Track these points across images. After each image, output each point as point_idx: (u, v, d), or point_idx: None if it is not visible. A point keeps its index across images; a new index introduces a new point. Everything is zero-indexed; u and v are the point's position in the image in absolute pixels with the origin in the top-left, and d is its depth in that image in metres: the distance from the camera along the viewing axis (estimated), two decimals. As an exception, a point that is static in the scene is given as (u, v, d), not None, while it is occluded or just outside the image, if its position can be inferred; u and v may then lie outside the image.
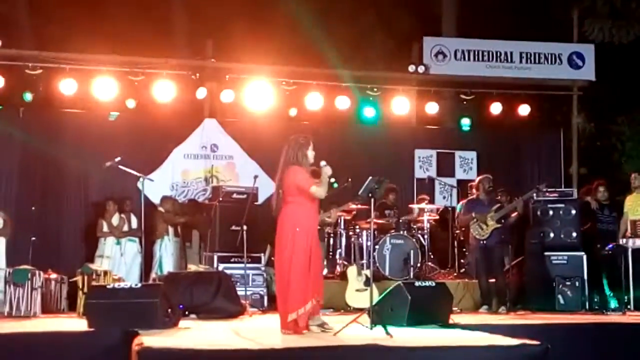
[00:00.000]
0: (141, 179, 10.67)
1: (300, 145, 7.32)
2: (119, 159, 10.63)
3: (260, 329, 8.02)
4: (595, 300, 11.03)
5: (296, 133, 7.61)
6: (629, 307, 10.39)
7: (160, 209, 12.05)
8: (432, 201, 13.09)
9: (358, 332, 7.21)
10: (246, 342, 6.71)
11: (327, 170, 7.32)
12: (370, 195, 7.74)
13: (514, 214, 10.80)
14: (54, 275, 10.24)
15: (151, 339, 6.37)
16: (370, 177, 7.79)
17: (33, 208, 11.79)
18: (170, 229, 12.03)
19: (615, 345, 8.14)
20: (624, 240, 10.71)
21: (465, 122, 13.96)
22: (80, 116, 12.85)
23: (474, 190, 11.17)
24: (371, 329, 7.26)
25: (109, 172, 11.49)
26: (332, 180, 7.92)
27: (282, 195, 7.34)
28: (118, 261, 11.94)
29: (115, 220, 11.98)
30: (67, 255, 12.22)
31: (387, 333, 6.95)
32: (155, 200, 12.22)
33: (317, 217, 7.50)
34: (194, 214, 12.33)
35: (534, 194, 11.06)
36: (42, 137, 12.48)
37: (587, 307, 10.89)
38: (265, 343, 6.47)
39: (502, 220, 10.61)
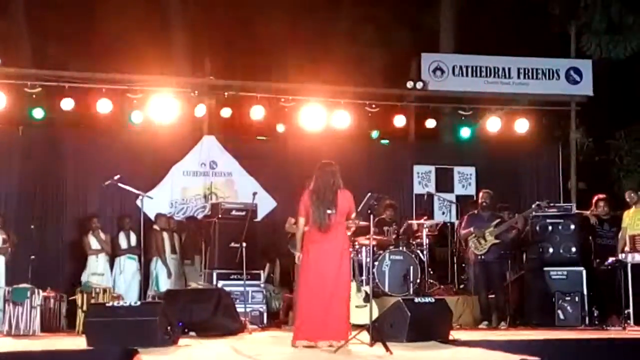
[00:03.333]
0: (140, 197, 10.68)
1: (339, 171, 7.78)
2: (118, 177, 10.65)
3: (259, 346, 8.02)
4: (595, 315, 11.03)
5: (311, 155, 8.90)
6: (628, 322, 10.36)
7: (155, 226, 12.04)
8: (431, 217, 13.08)
9: (358, 349, 7.20)
10: (246, 359, 6.69)
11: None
12: (369, 211, 7.76)
13: (514, 230, 10.80)
14: (53, 294, 10.23)
15: (151, 357, 6.36)
16: (369, 194, 7.84)
17: (32, 226, 11.78)
18: (168, 247, 12.02)
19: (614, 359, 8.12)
20: (624, 255, 10.70)
21: (466, 134, 13.95)
22: (79, 134, 12.87)
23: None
24: (371, 345, 7.25)
25: (108, 190, 11.51)
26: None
27: (334, 216, 7.60)
28: (116, 278, 11.91)
29: (103, 236, 11.94)
30: (65, 273, 12.20)
31: (387, 350, 6.94)
32: (155, 217, 12.24)
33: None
34: (192, 231, 12.34)
35: (534, 211, 11.07)
36: (41, 155, 12.50)
37: (587, 322, 10.88)
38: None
39: (501, 237, 10.61)
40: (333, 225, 7.59)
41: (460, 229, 11.28)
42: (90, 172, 12.32)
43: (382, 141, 13.86)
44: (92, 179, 12.16)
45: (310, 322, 7.53)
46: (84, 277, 11.66)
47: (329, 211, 7.56)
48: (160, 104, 12.58)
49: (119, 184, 10.56)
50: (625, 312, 10.46)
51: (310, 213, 7.68)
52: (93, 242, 11.92)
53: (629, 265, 10.49)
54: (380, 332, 7.44)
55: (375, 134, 13.71)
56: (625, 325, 10.28)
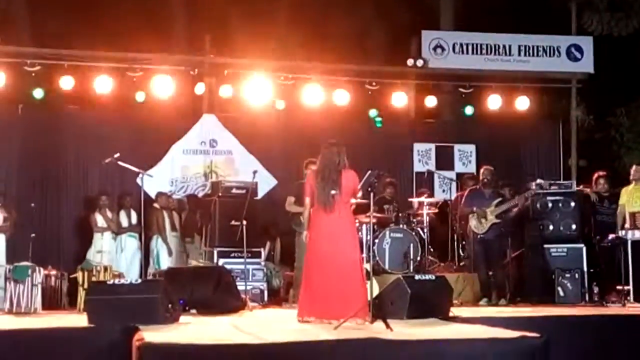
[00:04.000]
0: (140, 175, 10.68)
1: (344, 151, 7.78)
2: (117, 155, 10.65)
3: (260, 324, 8.04)
4: (595, 292, 11.07)
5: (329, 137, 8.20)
6: (628, 298, 10.40)
7: (155, 205, 12.06)
8: (431, 195, 13.08)
9: (358, 326, 7.22)
10: (247, 336, 6.71)
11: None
12: (369, 189, 7.76)
13: (515, 209, 10.80)
14: (54, 272, 10.24)
15: (152, 335, 6.37)
16: (369, 171, 7.85)
17: (32, 205, 11.78)
18: (168, 225, 12.04)
19: (615, 336, 8.14)
20: (623, 232, 10.71)
21: (469, 111, 13.94)
22: (79, 112, 12.86)
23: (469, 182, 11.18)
24: (372, 322, 7.27)
25: (108, 168, 11.51)
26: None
27: (338, 196, 7.65)
28: (118, 256, 11.95)
29: (109, 214, 11.97)
30: (66, 251, 12.25)
31: (388, 326, 6.96)
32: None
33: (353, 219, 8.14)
34: (192, 209, 12.36)
35: (535, 190, 11.08)
36: (41, 134, 12.50)
37: (587, 299, 10.92)
38: (266, 337, 6.48)
39: (502, 216, 10.62)
40: (337, 205, 7.63)
41: (461, 206, 11.28)
42: (90, 151, 12.33)
43: (377, 120, 13.80)
44: (93, 157, 12.16)
45: (315, 300, 7.62)
46: (89, 255, 11.70)
47: (333, 191, 7.60)
48: (160, 82, 12.57)
49: (119, 162, 10.55)
50: (625, 288, 10.49)
51: (315, 193, 7.72)
52: (100, 220, 11.94)
53: (629, 242, 10.52)
54: (380, 309, 7.46)
55: (373, 112, 13.67)
56: (625, 301, 10.32)
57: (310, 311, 7.66)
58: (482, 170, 11.16)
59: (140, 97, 12.63)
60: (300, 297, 7.99)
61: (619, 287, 10.68)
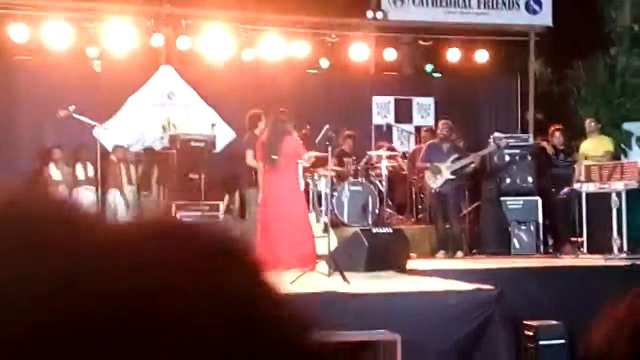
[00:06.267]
0: (97, 128, 10.55)
1: (289, 119, 8.60)
2: (73, 107, 10.49)
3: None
4: (549, 243, 11.25)
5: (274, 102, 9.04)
6: (581, 249, 10.57)
7: (112, 157, 11.94)
8: (391, 148, 13.10)
9: (316, 279, 7.27)
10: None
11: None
12: (327, 143, 7.79)
13: (470, 166, 10.86)
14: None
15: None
16: (326, 126, 7.88)
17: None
18: (125, 178, 11.94)
19: (568, 287, 8.28)
20: (578, 184, 10.85)
21: (430, 68, 14.00)
22: (32, 64, 12.60)
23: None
24: (329, 275, 7.32)
25: (63, 121, 11.33)
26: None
27: (280, 160, 8.36)
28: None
29: (64, 167, 11.83)
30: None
31: (345, 279, 7.02)
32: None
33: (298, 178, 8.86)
34: (149, 162, 12.26)
35: (491, 148, 11.15)
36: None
37: (542, 250, 11.08)
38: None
39: (457, 172, 10.67)
40: (280, 167, 8.34)
41: (419, 160, 11.32)
42: (44, 103, 12.08)
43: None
44: (47, 109, 11.91)
45: (267, 253, 7.91)
46: (43, 209, 11.55)
47: (274, 157, 8.29)
48: (116, 33, 12.36)
49: (74, 115, 10.39)
50: (579, 240, 10.67)
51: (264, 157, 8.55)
52: (55, 174, 11.79)
53: (583, 195, 10.65)
54: (338, 262, 7.51)
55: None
56: (578, 253, 10.50)
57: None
58: (439, 124, 11.19)
59: (92, 52, 12.42)
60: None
61: (572, 239, 10.86)
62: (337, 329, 5.71)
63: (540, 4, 14.06)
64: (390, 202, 12.15)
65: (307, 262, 7.86)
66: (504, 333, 6.41)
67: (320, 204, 11.12)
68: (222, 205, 11.46)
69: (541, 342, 6.49)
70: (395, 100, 14.10)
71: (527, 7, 14.05)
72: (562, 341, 6.54)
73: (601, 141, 11.33)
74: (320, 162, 11.47)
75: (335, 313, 5.98)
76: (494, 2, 13.94)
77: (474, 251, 11.02)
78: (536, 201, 11.33)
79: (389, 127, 13.78)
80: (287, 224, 8.23)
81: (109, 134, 11.64)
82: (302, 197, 8.86)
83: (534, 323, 6.60)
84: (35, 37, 12.13)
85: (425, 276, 7.72)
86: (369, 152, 12.44)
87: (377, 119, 13.96)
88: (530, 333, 6.57)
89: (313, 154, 11.13)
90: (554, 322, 6.66)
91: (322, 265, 7.57)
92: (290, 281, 7.11)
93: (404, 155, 12.82)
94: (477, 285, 6.55)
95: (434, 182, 10.74)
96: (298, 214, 8.44)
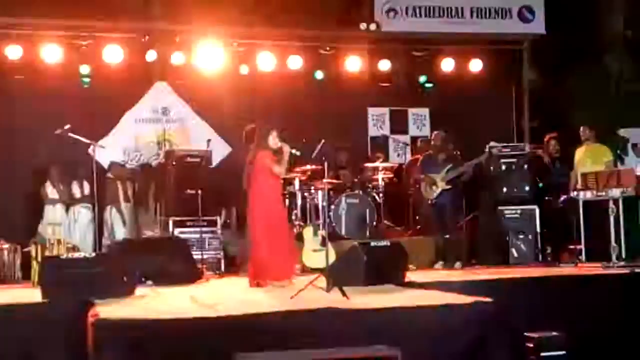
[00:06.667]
0: (92, 146, 10.54)
1: (266, 131, 8.65)
2: (68, 126, 10.47)
3: (217, 295, 8.04)
4: (548, 252, 11.24)
5: (260, 119, 9.31)
6: (580, 258, 10.56)
7: (109, 175, 11.92)
8: (386, 159, 13.11)
9: (315, 294, 7.25)
10: (203, 309, 6.71)
11: (286, 149, 8.56)
12: (323, 159, 7.81)
13: (464, 175, 10.85)
14: (6, 245, 10.12)
15: (107, 309, 6.34)
16: (322, 141, 7.90)
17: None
18: (121, 195, 11.93)
19: (568, 296, 8.29)
20: (575, 193, 10.84)
21: (424, 80, 14.02)
22: (27, 83, 12.55)
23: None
24: (328, 291, 7.31)
25: (59, 139, 11.29)
26: (294, 150, 8.74)
27: (252, 174, 8.67)
28: (71, 227, 11.82)
29: (60, 185, 11.81)
30: (18, 224, 12.00)
31: (344, 295, 7.00)
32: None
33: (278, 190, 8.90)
34: (146, 179, 12.25)
35: (485, 157, 11.15)
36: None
37: (540, 259, 11.07)
38: (223, 310, 6.48)
39: (452, 182, 10.66)
40: (255, 181, 8.65)
41: (415, 172, 11.33)
42: (40, 122, 12.03)
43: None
44: (42, 128, 11.87)
45: (256, 266, 8.52)
46: (40, 228, 11.54)
47: (248, 170, 8.68)
48: (110, 50, 12.35)
49: (70, 134, 10.37)
50: (577, 248, 10.66)
51: None
52: (50, 192, 11.77)
53: (581, 203, 10.64)
54: (336, 277, 7.49)
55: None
56: (577, 261, 10.49)
57: (256, 275, 8.50)
58: (433, 135, 11.20)
59: (84, 70, 12.44)
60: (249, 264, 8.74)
61: (571, 247, 10.85)
62: (338, 345, 5.71)
63: (533, 13, 14.08)
64: (387, 214, 12.14)
65: (287, 274, 8.47)
66: (505, 345, 6.39)
67: (317, 217, 11.13)
68: (219, 221, 11.43)
69: (543, 354, 6.48)
70: (391, 111, 14.10)
71: (520, 16, 14.07)
72: (563, 352, 6.53)
73: (599, 151, 11.31)
74: (317, 176, 11.52)
75: (335, 329, 5.97)
76: (487, 11, 13.96)
77: (473, 261, 11.03)
78: (534, 210, 11.32)
79: (385, 138, 13.77)
80: (269, 236, 8.45)
81: (105, 151, 11.62)
82: (281, 210, 8.99)
83: (535, 335, 6.60)
84: (30, 57, 12.09)
85: (425, 289, 7.70)
86: (365, 164, 12.46)
87: (373, 131, 13.96)
88: (531, 345, 6.57)
89: (309, 167, 11.26)
90: (555, 333, 6.65)
91: (321, 280, 7.54)
92: (290, 296, 7.13)
93: (400, 167, 12.83)
94: (475, 299, 6.53)
95: (430, 194, 10.76)
96: (278, 226, 8.58)
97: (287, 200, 11.66)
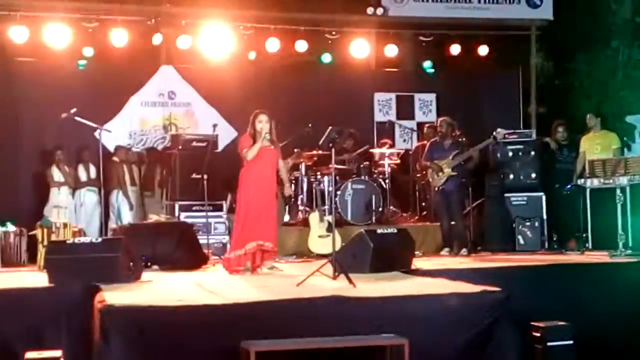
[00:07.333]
0: (98, 130, 10.52)
1: (252, 119, 8.79)
2: (74, 110, 10.45)
3: (223, 280, 8.05)
4: (554, 239, 11.22)
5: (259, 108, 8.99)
6: (587, 245, 10.54)
7: (115, 158, 11.92)
8: (393, 145, 13.08)
9: (321, 281, 7.24)
10: (210, 295, 6.71)
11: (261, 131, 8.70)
12: (330, 145, 7.77)
13: (471, 162, 10.81)
14: (12, 228, 10.12)
15: (113, 295, 6.34)
16: (330, 128, 7.85)
17: (-12, 161, 11.57)
18: (127, 179, 11.92)
19: (575, 284, 8.27)
20: (582, 180, 10.80)
21: (428, 65, 13.98)
22: (33, 65, 12.53)
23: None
24: (334, 278, 7.29)
25: (65, 122, 11.28)
26: (265, 134, 8.73)
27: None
28: (77, 211, 11.83)
29: (66, 168, 11.81)
30: (24, 207, 12.01)
31: (351, 282, 6.99)
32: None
33: (263, 174, 8.70)
34: (151, 162, 12.23)
35: (491, 143, 11.10)
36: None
37: (547, 246, 11.06)
38: (228, 296, 6.47)
39: (458, 168, 10.62)
40: (244, 164, 8.82)
41: (421, 158, 11.30)
42: (46, 105, 12.03)
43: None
44: (48, 111, 11.85)
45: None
46: (46, 211, 11.54)
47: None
48: (115, 33, 12.31)
49: (76, 118, 10.35)
50: (584, 235, 10.63)
51: None
52: (56, 175, 11.76)
53: (588, 190, 10.60)
54: (343, 264, 7.47)
55: (325, 57, 13.54)
56: (584, 249, 10.46)
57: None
58: (438, 122, 11.16)
59: (88, 52, 12.39)
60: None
61: (577, 234, 10.82)
62: (345, 334, 5.70)
63: (540, -2, 14.00)
64: (393, 200, 12.12)
65: (271, 254, 8.69)
66: (512, 334, 6.38)
67: (323, 203, 11.11)
68: (225, 205, 11.42)
69: (549, 343, 6.46)
70: (397, 96, 14.05)
71: (528, 1, 13.98)
72: (570, 342, 6.51)
73: (607, 137, 11.25)
74: (323, 161, 11.49)
75: (342, 317, 5.96)
76: (495, -4, 13.88)
77: (479, 248, 11.00)
78: (540, 197, 11.31)
79: (391, 124, 13.73)
80: (246, 218, 8.60)
81: (111, 134, 11.59)
82: (266, 191, 8.77)
83: (542, 324, 6.57)
84: (36, 39, 12.05)
85: (432, 277, 7.68)
86: (370, 150, 12.43)
87: (378, 116, 13.91)
88: (538, 334, 6.54)
89: (315, 152, 11.24)
90: (562, 322, 6.63)
91: (328, 267, 7.53)
92: (296, 284, 7.12)
93: (406, 153, 12.80)
94: (484, 288, 6.51)
95: (437, 180, 10.73)
96: (257, 210, 8.61)
97: (292, 186, 11.67)
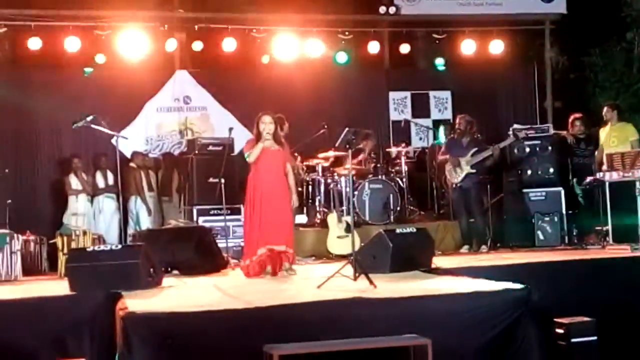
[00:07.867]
0: (115, 137, 10.55)
1: (256, 120, 8.68)
2: (91, 118, 10.47)
3: (243, 284, 8.03)
4: (574, 234, 11.15)
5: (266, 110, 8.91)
6: (607, 240, 10.47)
7: (132, 164, 11.95)
8: (409, 143, 13.05)
9: (342, 282, 7.22)
10: (230, 300, 6.70)
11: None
12: (347, 146, 7.75)
13: (489, 159, 10.77)
14: (32, 237, 10.16)
15: (135, 302, 6.34)
16: (347, 129, 7.82)
17: (7, 170, 11.61)
18: (145, 184, 11.96)
19: (597, 279, 8.21)
20: (601, 173, 10.73)
21: (440, 62, 13.95)
22: (49, 74, 12.60)
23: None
24: (355, 279, 7.27)
25: (81, 130, 11.32)
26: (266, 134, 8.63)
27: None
28: (96, 218, 11.87)
29: (84, 176, 11.86)
30: (43, 215, 12.10)
31: (371, 283, 6.97)
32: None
33: (268, 176, 8.56)
34: (169, 167, 12.26)
35: (511, 140, 11.05)
36: (10, 97, 12.24)
37: (567, 241, 10.99)
38: (250, 300, 6.46)
39: (476, 166, 10.58)
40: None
41: (439, 154, 11.27)
42: (62, 112, 12.09)
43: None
44: (65, 119, 11.88)
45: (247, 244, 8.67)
46: (65, 218, 11.59)
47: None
48: (129, 39, 12.36)
49: (92, 125, 10.38)
50: (604, 229, 10.56)
51: None
52: (74, 182, 11.83)
53: (607, 184, 10.53)
54: (363, 265, 7.45)
55: (340, 57, 13.51)
56: (605, 243, 10.39)
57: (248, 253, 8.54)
58: (457, 119, 11.12)
59: (100, 59, 12.48)
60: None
61: (597, 228, 10.75)
62: (367, 335, 5.68)
63: (553, -8, 13.94)
64: (411, 198, 12.09)
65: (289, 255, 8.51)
66: (535, 331, 6.33)
67: (341, 204, 11.10)
68: (243, 209, 11.40)
69: (573, 340, 6.41)
70: (412, 95, 14.03)
71: (541, -5, 13.93)
72: (594, 338, 6.46)
73: (625, 129, 11.19)
74: (340, 162, 11.48)
75: (364, 319, 5.94)
76: (507, -9, 13.83)
77: (498, 245, 10.96)
78: (559, 192, 11.25)
79: (407, 122, 13.70)
80: (265, 218, 8.43)
81: (128, 140, 11.61)
82: (273, 193, 8.57)
83: (565, 320, 6.51)
84: (50, 48, 12.13)
85: (453, 276, 7.64)
86: (387, 149, 12.41)
87: (394, 115, 13.89)
88: (562, 331, 6.49)
89: (332, 153, 11.23)
90: (586, 318, 6.57)
91: (348, 269, 7.51)
92: (317, 286, 7.11)
93: (423, 151, 12.77)
94: (506, 285, 6.47)
95: (455, 177, 10.70)
96: (269, 208, 8.45)
97: (310, 187, 11.67)
